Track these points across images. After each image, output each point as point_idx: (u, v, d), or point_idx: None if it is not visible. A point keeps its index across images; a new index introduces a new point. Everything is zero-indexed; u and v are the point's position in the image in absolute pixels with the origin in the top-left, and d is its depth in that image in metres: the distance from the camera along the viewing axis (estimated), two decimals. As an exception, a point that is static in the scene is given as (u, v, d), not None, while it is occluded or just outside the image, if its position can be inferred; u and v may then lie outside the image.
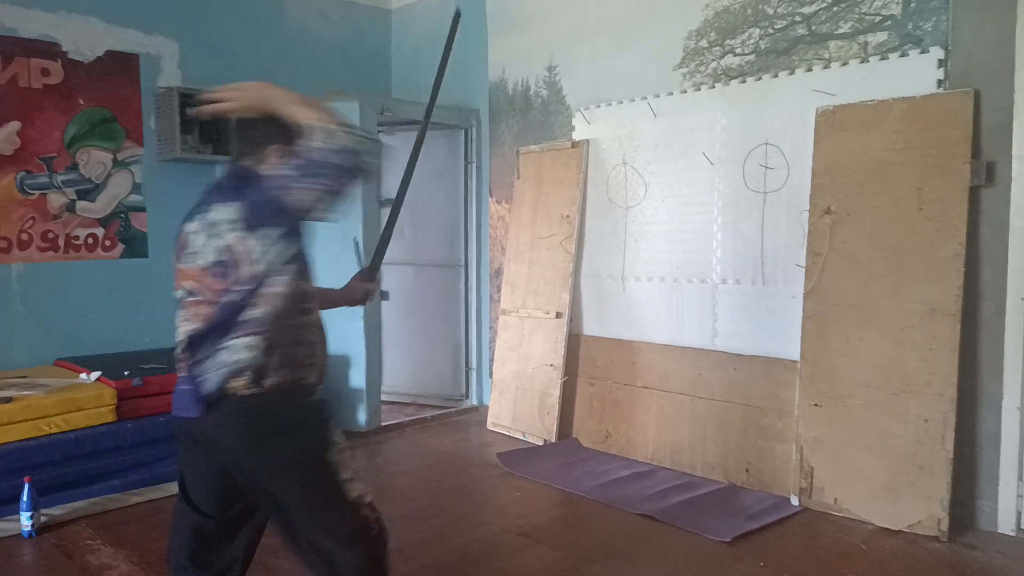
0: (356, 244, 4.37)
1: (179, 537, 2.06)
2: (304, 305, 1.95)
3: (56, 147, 4.33)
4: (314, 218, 1.87)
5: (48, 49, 4.29)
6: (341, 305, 2.40)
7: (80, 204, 4.43)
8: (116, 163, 4.55)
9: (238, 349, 1.85)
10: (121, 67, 4.55)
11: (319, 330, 2.03)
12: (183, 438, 2.03)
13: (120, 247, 4.58)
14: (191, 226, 1.95)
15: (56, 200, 4.34)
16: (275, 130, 2.04)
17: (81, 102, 4.41)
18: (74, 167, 4.40)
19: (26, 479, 3.19)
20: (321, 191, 1.81)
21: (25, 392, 3.50)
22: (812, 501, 3.47)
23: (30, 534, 3.19)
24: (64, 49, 4.35)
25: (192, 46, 4.83)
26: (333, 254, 4.43)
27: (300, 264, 1.92)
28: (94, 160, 4.47)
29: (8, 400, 3.38)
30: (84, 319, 4.45)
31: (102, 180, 4.51)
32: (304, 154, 1.81)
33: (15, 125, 4.18)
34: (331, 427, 2.01)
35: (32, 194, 4.26)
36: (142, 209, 4.66)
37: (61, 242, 4.36)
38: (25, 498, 3.18)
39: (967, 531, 3.18)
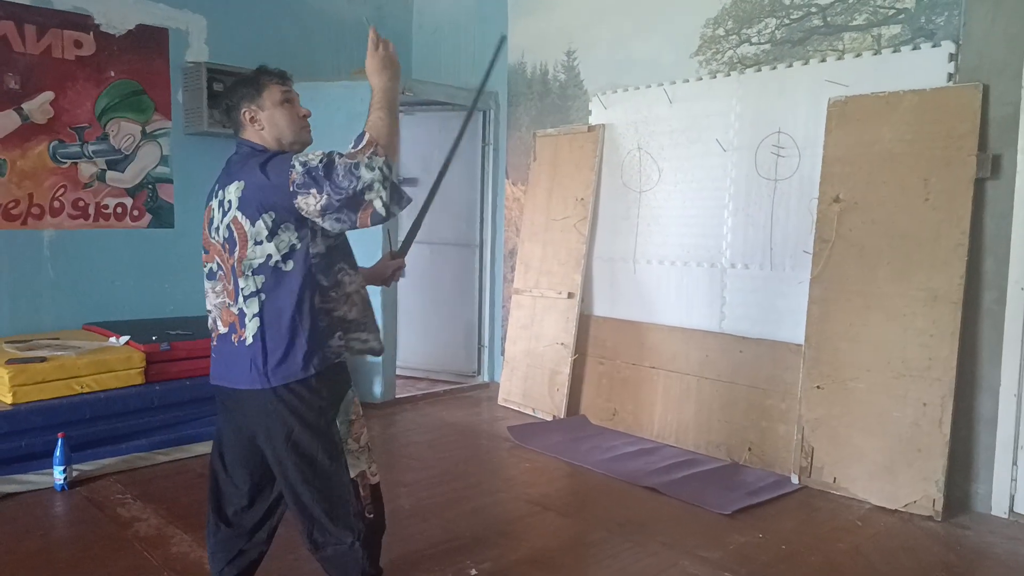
0: (387, 231, 4.50)
1: (211, 494, 2.20)
2: (325, 290, 1.98)
3: (87, 117, 4.46)
4: (315, 219, 1.87)
5: (81, 21, 4.41)
6: (370, 284, 2.41)
7: (110, 174, 4.56)
8: (145, 135, 4.68)
9: (256, 330, 1.93)
10: (151, 41, 4.67)
11: (353, 305, 2.06)
12: (219, 402, 2.14)
13: (147, 217, 4.72)
14: (213, 202, 2.04)
15: (87, 169, 4.48)
16: (240, 92, 2.03)
17: (112, 74, 4.53)
18: (104, 137, 4.53)
19: (59, 435, 3.35)
20: (325, 202, 1.80)
21: (58, 353, 3.65)
22: (811, 480, 3.59)
23: (63, 487, 3.35)
24: (96, 22, 4.46)
25: (219, 22, 4.94)
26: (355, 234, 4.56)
27: (312, 250, 1.93)
28: (123, 131, 4.60)
29: (42, 360, 3.53)
30: (112, 286, 4.60)
31: (131, 151, 4.64)
32: (323, 161, 1.80)
33: (48, 95, 4.31)
34: (342, 401, 2.07)
35: (64, 163, 4.39)
36: (169, 181, 4.79)
37: (91, 210, 4.50)
38: (58, 453, 3.34)
39: (961, 512, 3.29)
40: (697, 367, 4.19)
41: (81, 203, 4.46)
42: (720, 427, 4.05)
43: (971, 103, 3.24)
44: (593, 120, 4.83)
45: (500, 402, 5.06)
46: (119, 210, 4.61)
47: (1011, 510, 3.25)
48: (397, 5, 5.97)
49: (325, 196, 1.79)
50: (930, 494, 3.23)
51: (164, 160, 4.77)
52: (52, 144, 4.34)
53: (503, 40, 3.04)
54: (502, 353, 5.32)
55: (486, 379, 5.68)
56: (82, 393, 3.58)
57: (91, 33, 4.45)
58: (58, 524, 3.11)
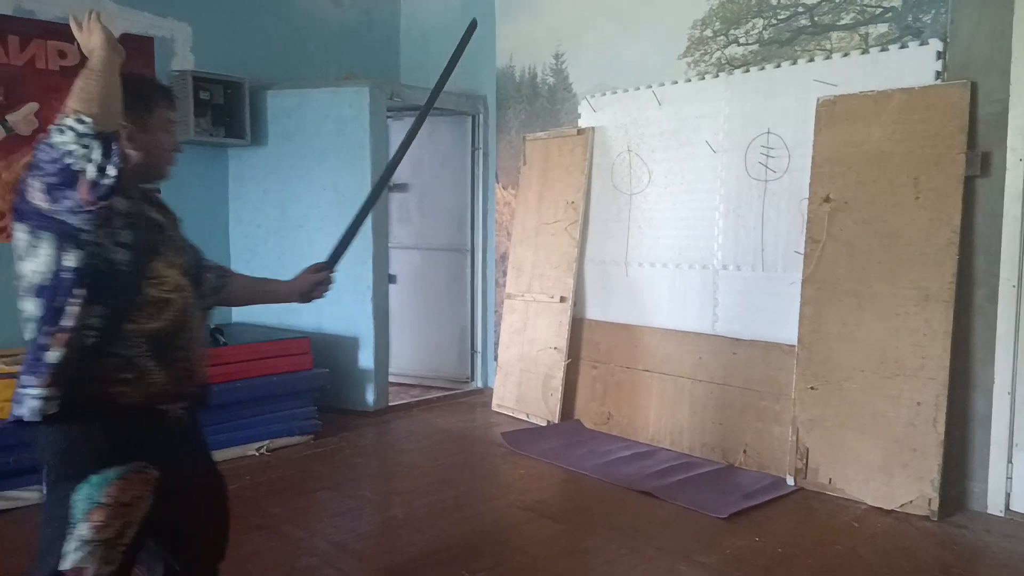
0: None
1: None
2: (94, 319, 1.63)
3: (73, 129, 4.41)
4: (59, 215, 1.59)
5: (64, 31, 4.34)
6: (286, 300, 2.12)
7: (96, 185, 4.51)
8: (131, 145, 4.64)
9: (40, 358, 1.62)
10: (136, 50, 4.62)
11: (149, 345, 1.70)
12: None
13: (135, 227, 4.67)
14: None
15: (73, 181, 4.43)
16: (125, 100, 1.69)
17: (97, 85, 4.49)
18: (90, 148, 4.48)
19: None
20: (44, 188, 1.56)
21: None
22: (807, 481, 3.58)
23: None
24: (80, 32, 4.42)
25: (205, 29, 4.90)
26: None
27: (87, 272, 1.62)
28: (109, 142, 4.55)
29: None
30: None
31: (117, 162, 4.59)
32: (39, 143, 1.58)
33: (33, 106, 4.27)
34: (99, 472, 1.64)
35: (49, 175, 4.35)
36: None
37: (78, 222, 4.45)
38: None
39: (957, 511, 3.28)
40: (691, 369, 4.18)
41: (67, 214, 4.41)
42: (715, 429, 4.04)
43: (959, 101, 3.23)
44: (583, 123, 4.81)
45: (494, 408, 5.03)
46: (106, 221, 4.56)
47: (1007, 508, 3.24)
48: (385, 10, 5.95)
49: (39, 179, 1.56)
50: (926, 494, 3.22)
51: (151, 170, 4.72)
52: (37, 155, 4.30)
53: (473, 24, 2.77)
54: (495, 358, 5.29)
55: (480, 385, 5.65)
56: None
57: (75, 43, 4.38)
58: None
